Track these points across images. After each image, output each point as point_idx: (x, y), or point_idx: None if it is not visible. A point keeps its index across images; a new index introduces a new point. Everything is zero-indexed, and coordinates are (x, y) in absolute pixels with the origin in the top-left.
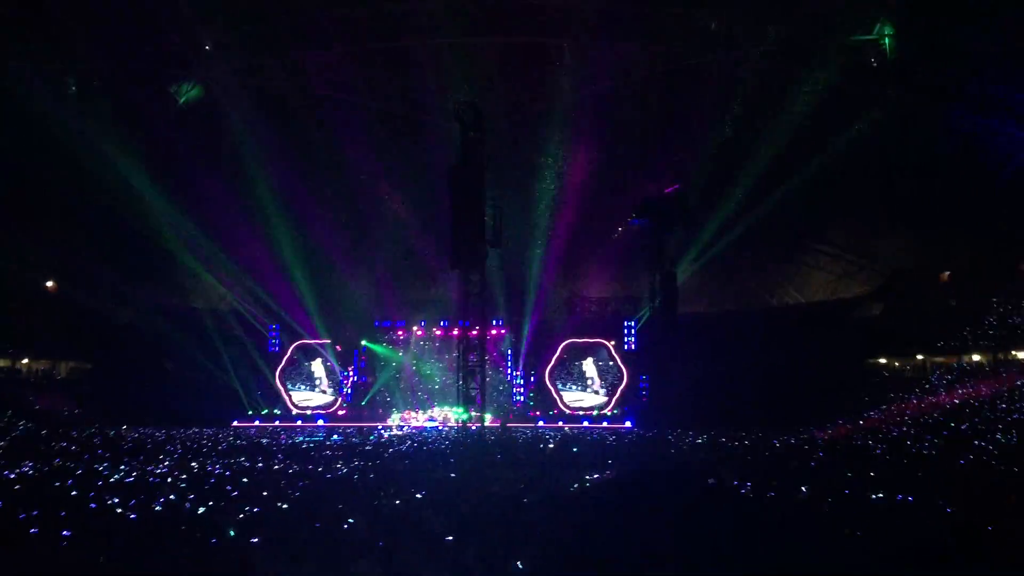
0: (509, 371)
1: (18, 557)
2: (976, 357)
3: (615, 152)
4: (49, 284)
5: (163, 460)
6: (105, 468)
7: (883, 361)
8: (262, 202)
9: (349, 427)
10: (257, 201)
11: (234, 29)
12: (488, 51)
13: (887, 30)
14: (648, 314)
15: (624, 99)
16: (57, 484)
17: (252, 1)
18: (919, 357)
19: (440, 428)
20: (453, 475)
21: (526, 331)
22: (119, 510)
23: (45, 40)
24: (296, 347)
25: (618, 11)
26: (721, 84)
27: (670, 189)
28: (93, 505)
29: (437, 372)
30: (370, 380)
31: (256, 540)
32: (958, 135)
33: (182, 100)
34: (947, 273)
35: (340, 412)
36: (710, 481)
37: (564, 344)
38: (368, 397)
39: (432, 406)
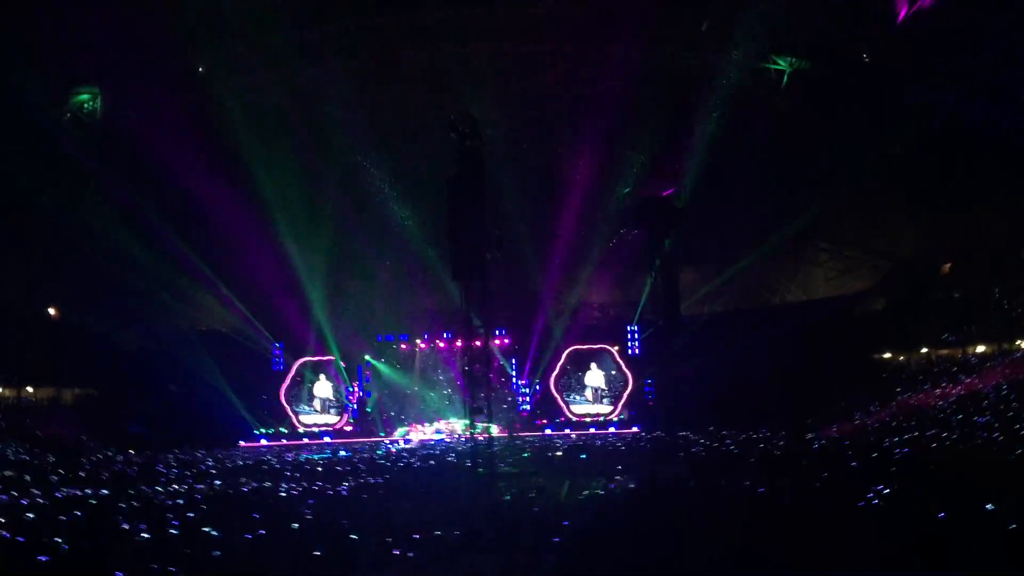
0: (514, 380)
1: None
2: (981, 348)
3: (613, 156)
4: (51, 311)
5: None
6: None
7: (887, 356)
8: (261, 220)
9: (356, 443)
10: (256, 219)
11: (232, 46)
12: (483, 59)
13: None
14: (650, 318)
15: (619, 102)
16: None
17: (251, 19)
18: (924, 350)
19: (447, 440)
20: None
21: (529, 339)
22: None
23: (42, 61)
24: (299, 365)
25: (611, 14)
26: (715, 82)
27: (667, 192)
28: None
29: (442, 384)
30: (375, 395)
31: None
32: (957, 123)
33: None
34: (948, 265)
35: (347, 428)
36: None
37: (568, 351)
38: (373, 412)
39: (438, 418)
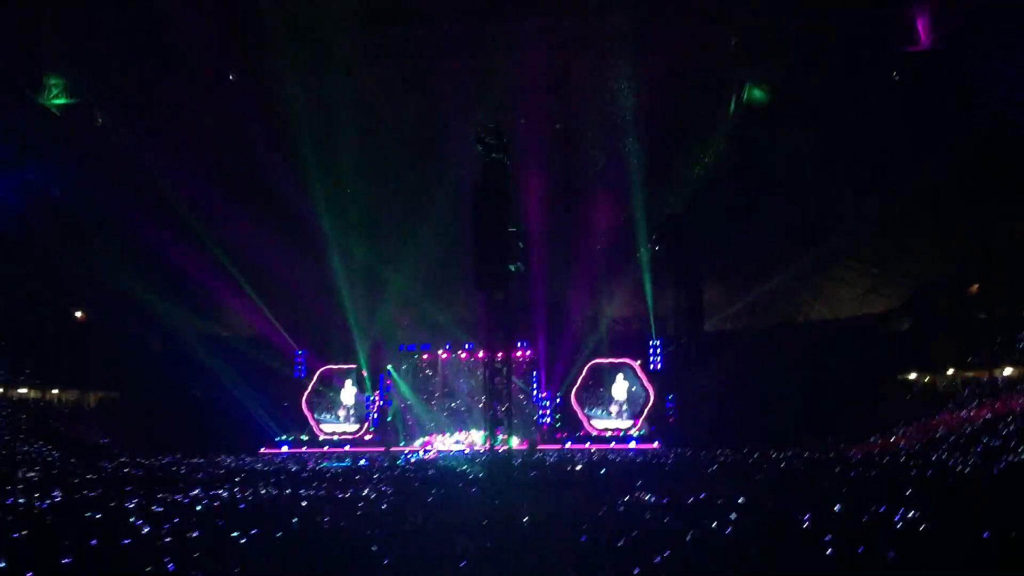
0: (535, 393)
1: None
2: (1008, 371)
3: (639, 169)
4: (78, 314)
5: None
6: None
7: (913, 376)
8: (287, 228)
9: (375, 452)
10: (282, 227)
11: (259, 56)
12: (512, 72)
13: None
14: (674, 333)
15: (647, 116)
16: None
17: (274, 29)
18: (949, 372)
19: (466, 452)
20: None
21: (551, 352)
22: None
23: (67, 66)
24: (321, 372)
25: (639, 29)
26: (743, 98)
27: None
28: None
29: (462, 395)
30: (395, 404)
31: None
32: (987, 144)
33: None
34: (976, 285)
35: (366, 437)
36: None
37: (589, 364)
38: (393, 423)
39: (458, 429)
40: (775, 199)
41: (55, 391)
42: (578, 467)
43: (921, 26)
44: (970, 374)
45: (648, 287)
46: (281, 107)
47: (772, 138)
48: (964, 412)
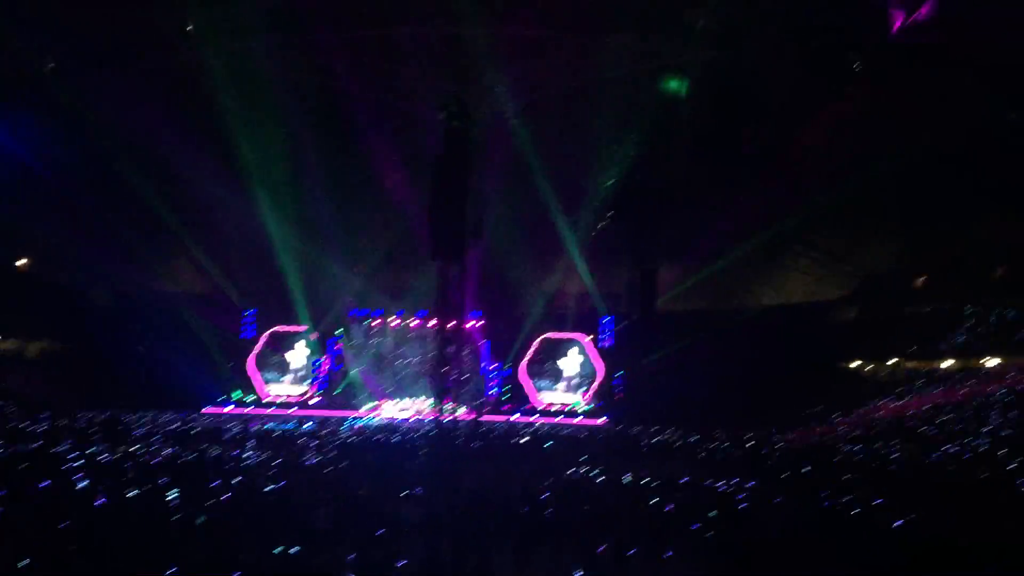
0: (484, 364)
1: None
2: (946, 364)
3: (597, 145)
4: (21, 262)
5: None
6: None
7: (855, 365)
8: (243, 185)
9: (321, 416)
10: (238, 184)
11: (220, 10)
12: (477, 42)
13: None
14: (625, 310)
15: (609, 93)
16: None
17: None
18: (890, 362)
19: (412, 420)
20: None
21: (502, 324)
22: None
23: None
24: (270, 334)
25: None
26: (703, 79)
27: None
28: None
29: (412, 364)
30: (344, 369)
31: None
32: (942, 142)
33: None
34: (922, 279)
35: (312, 401)
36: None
37: (540, 338)
38: (341, 387)
39: (406, 397)
40: (732, 183)
41: None
42: (523, 440)
43: (890, 18)
44: (911, 365)
45: (591, 265)
46: (235, 59)
47: (731, 122)
48: (903, 402)
